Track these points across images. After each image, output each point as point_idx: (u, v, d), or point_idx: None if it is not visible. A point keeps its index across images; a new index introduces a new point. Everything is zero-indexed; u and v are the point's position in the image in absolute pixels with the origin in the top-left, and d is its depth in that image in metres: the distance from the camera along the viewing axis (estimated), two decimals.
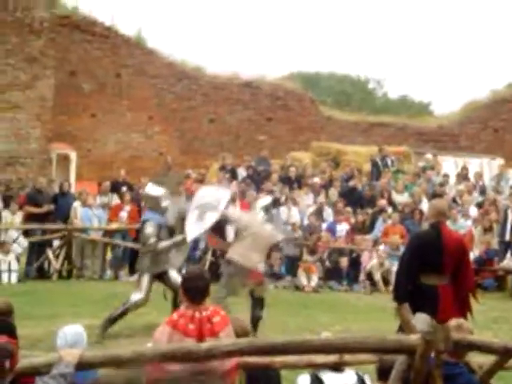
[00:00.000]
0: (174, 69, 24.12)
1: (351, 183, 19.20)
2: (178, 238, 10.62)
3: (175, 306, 9.71)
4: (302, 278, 15.71)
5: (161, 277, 10.52)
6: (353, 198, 18.33)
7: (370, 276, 16.02)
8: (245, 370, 5.18)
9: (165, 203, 10.73)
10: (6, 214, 15.98)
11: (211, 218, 10.53)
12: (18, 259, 15.46)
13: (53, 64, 20.39)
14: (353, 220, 17.48)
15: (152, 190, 10.98)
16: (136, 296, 10.33)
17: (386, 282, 15.60)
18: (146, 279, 10.47)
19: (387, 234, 16.64)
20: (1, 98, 19.58)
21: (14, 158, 19.81)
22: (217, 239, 14.61)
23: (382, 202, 17.77)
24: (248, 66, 63.38)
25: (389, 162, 20.72)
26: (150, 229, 10.34)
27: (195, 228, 10.63)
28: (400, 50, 78.95)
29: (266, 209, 11.14)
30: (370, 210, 17.79)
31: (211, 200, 10.77)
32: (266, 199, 11.92)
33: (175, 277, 10.33)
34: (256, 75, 25.73)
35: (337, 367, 5.63)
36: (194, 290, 4.97)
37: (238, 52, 64.06)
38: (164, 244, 10.49)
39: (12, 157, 19.77)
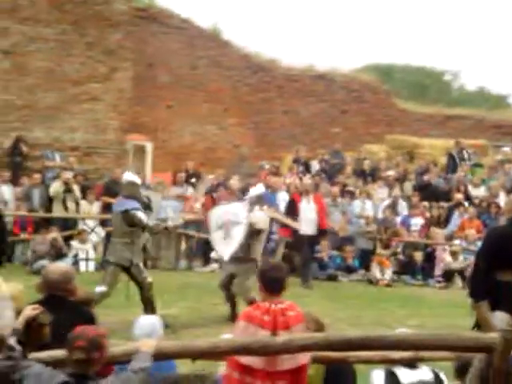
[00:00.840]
0: (249, 61, 24.17)
1: (426, 177, 18.95)
2: None
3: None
4: (376, 272, 15.60)
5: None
6: (427, 192, 18.09)
7: (445, 271, 15.81)
8: (322, 363, 5.18)
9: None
10: (83, 203, 16.29)
11: (239, 232, 10.70)
12: (95, 248, 15.75)
13: (130, 56, 20.66)
14: (428, 214, 17.27)
15: (131, 176, 10.91)
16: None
17: (462, 277, 15.36)
18: None
19: (463, 229, 16.37)
20: (80, 89, 19.92)
21: (92, 149, 20.14)
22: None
23: (459, 196, 17.49)
24: (323, 58, 63.02)
25: (466, 156, 20.36)
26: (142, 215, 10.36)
27: (227, 247, 10.75)
28: (477, 41, 77.38)
29: (258, 198, 11.07)
30: (445, 204, 17.54)
31: (229, 216, 10.92)
32: (258, 188, 11.62)
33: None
34: (330, 67, 25.62)
35: (412, 363, 5.58)
36: (274, 282, 4.97)
37: (313, 44, 63.83)
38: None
39: (90, 147, 20.11)
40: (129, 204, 10.25)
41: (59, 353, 4.20)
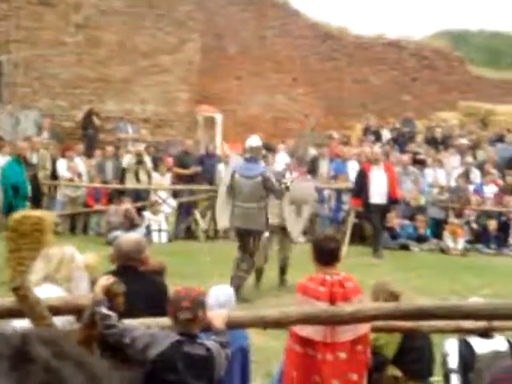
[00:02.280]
0: (318, 30, 23.97)
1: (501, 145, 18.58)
2: None
3: None
4: (449, 241, 15.42)
5: None
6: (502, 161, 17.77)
7: None
8: (398, 332, 5.19)
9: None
10: (155, 175, 16.48)
11: (307, 211, 11.07)
12: (167, 219, 15.96)
13: (199, 28, 20.72)
14: (501, 182, 16.95)
15: (256, 141, 10.66)
16: None
17: None
18: None
19: None
20: (150, 61, 20.11)
21: (163, 121, 20.34)
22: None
23: None
24: (393, 26, 61.98)
25: None
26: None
27: (297, 225, 10.83)
28: None
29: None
30: None
31: (304, 196, 11.12)
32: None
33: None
34: (401, 34, 25.23)
35: (486, 333, 5.52)
36: (327, 253, 4.99)
37: (383, 11, 62.75)
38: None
39: (161, 119, 20.32)
40: (262, 168, 10.23)
41: (149, 320, 4.34)
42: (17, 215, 10.56)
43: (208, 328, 4.37)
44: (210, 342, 4.32)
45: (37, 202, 12.51)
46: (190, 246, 14.99)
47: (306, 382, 4.81)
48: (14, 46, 19.11)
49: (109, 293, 4.23)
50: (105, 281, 4.26)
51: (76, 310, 4.30)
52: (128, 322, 4.25)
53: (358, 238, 15.28)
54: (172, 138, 19.78)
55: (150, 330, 4.23)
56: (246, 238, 10.16)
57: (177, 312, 4.20)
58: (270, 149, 12.18)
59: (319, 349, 4.75)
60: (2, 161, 14.98)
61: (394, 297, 5.37)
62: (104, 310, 4.12)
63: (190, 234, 16.12)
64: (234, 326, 4.56)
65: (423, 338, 5.49)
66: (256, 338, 6.74)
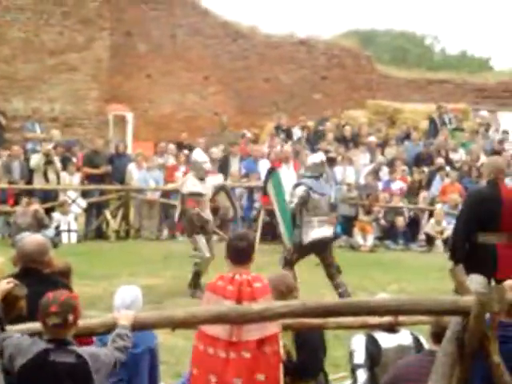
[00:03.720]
0: (228, 28, 23.98)
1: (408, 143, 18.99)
2: None
3: None
4: (358, 238, 15.66)
5: None
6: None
7: (427, 235, 15.89)
8: (294, 330, 5.19)
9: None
10: (64, 175, 16.20)
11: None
12: (76, 220, 15.72)
13: (108, 25, 20.47)
14: (409, 179, 17.32)
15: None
16: None
17: (444, 240, 15.44)
18: None
19: (445, 193, 16.43)
20: (58, 59, 19.76)
21: (72, 120, 20.04)
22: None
23: (440, 161, 17.55)
24: (303, 25, 62.71)
25: (447, 120, 20.37)
26: None
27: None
28: (458, 4, 77.17)
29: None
30: (426, 169, 17.59)
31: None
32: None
33: None
34: (311, 34, 25.48)
35: (392, 328, 5.63)
36: (240, 252, 4.99)
37: (293, 10, 63.42)
38: None
39: (70, 118, 20.00)
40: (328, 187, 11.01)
41: (36, 325, 4.20)
42: None
43: (112, 329, 4.29)
44: (86, 348, 4.20)
45: None
46: (101, 246, 14.83)
47: (204, 380, 4.79)
48: None
49: (10, 296, 4.12)
50: (5, 284, 4.15)
51: None
52: (11, 329, 4.12)
53: (270, 235, 15.33)
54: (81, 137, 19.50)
55: (19, 338, 4.07)
56: (324, 250, 10.35)
57: (45, 317, 4.04)
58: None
59: (222, 347, 4.73)
60: None
61: (289, 290, 5.38)
62: None
63: (100, 234, 15.93)
64: (140, 327, 4.50)
65: (315, 333, 5.48)
66: (165, 339, 6.70)
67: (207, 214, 10.98)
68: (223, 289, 4.84)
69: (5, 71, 19.22)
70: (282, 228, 10.47)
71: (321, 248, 10.31)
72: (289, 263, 10.17)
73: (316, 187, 10.46)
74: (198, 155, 11.57)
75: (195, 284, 10.61)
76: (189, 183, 10.98)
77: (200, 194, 10.85)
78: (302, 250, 10.27)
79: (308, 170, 10.79)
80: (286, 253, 10.32)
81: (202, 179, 10.95)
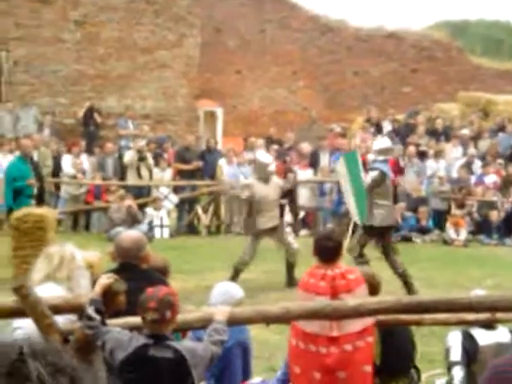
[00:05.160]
0: (317, 22, 23.94)
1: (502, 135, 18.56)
2: None
3: None
4: (451, 232, 15.41)
5: None
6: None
7: None
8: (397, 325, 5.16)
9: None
10: (156, 171, 16.47)
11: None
12: (169, 215, 15.96)
13: (198, 22, 20.70)
14: (504, 172, 16.93)
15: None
16: None
17: None
18: None
19: None
20: (149, 57, 20.11)
21: (163, 116, 20.35)
22: None
23: None
24: (392, 17, 61.86)
25: None
26: None
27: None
28: None
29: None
30: None
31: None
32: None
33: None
34: (401, 26, 25.20)
35: (489, 324, 5.52)
36: (327, 251, 5.01)
37: (382, 2, 62.61)
38: None
39: (161, 115, 20.32)
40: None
41: (134, 320, 4.29)
42: (18, 213, 10.56)
43: (208, 324, 4.34)
44: (184, 343, 4.25)
45: (42, 201, 12.52)
46: (192, 241, 15.01)
47: (308, 377, 4.81)
48: (13, 43, 19.11)
49: (109, 291, 4.22)
50: (105, 279, 4.25)
51: (77, 309, 4.30)
52: (110, 323, 4.22)
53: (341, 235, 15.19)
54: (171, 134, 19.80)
55: (120, 333, 4.15)
56: (387, 234, 10.48)
57: (144, 313, 4.11)
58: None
59: (323, 343, 4.75)
60: (3, 159, 14.97)
61: (375, 284, 5.35)
62: (90, 311, 4.09)
63: (191, 230, 16.13)
64: (235, 322, 4.54)
65: (402, 331, 5.42)
66: (258, 333, 6.75)
67: (274, 216, 10.89)
68: (315, 286, 4.86)
69: (100, 70, 19.68)
70: (355, 207, 10.45)
71: (385, 233, 10.39)
72: (361, 254, 10.18)
73: (388, 172, 10.49)
74: (262, 156, 11.51)
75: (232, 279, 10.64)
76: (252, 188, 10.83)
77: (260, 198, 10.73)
78: (370, 233, 10.29)
79: (380, 155, 10.67)
80: (358, 237, 10.32)
81: (266, 181, 10.82)
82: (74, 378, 1.16)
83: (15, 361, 1.14)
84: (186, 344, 4.28)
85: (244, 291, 5.83)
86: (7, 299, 4.31)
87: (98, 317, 4.10)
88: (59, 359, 1.18)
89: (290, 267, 10.79)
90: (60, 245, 5.01)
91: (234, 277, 10.36)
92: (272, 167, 11.11)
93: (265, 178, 10.83)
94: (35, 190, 12.62)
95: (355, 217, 10.45)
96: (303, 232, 15.46)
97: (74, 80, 19.54)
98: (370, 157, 11.23)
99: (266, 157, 11.53)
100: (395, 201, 14.86)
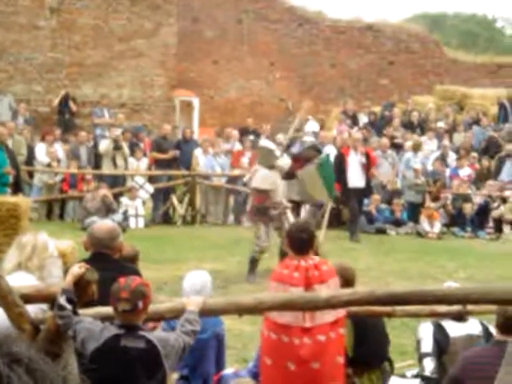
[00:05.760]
0: (294, 14, 23.90)
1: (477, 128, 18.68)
2: None
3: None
4: (425, 225, 15.50)
5: None
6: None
7: (496, 222, 15.63)
8: (368, 317, 5.18)
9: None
10: (131, 160, 16.39)
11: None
12: (144, 205, 15.90)
13: (175, 11, 20.60)
14: (478, 166, 17.05)
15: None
16: None
17: None
18: None
19: None
20: (126, 46, 19.99)
21: (139, 105, 20.26)
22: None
23: (510, 147, 17.21)
24: (370, 9, 62.02)
25: None
26: None
27: None
28: None
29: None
30: (496, 155, 17.30)
31: None
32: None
33: None
34: (378, 18, 25.22)
35: (460, 316, 5.56)
36: (300, 243, 5.03)
37: None
38: None
39: (137, 104, 20.23)
40: None
41: (106, 309, 4.28)
42: None
43: (180, 314, 4.33)
44: (156, 333, 4.25)
45: (18, 189, 12.42)
46: (167, 230, 14.98)
47: (280, 369, 4.82)
48: None
49: (81, 281, 4.20)
50: (77, 269, 4.23)
51: (48, 299, 4.28)
52: (82, 313, 4.20)
53: (336, 222, 15.30)
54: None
55: (91, 323, 4.15)
56: None
57: (116, 303, 4.10)
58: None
59: (296, 334, 4.76)
60: None
61: (349, 276, 5.38)
62: (61, 300, 4.07)
63: (167, 219, 16.10)
64: (208, 312, 4.54)
65: (376, 323, 5.45)
66: (232, 324, 6.75)
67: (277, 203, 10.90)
68: (289, 277, 4.87)
69: (75, 58, 19.53)
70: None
71: None
72: None
73: None
74: (267, 143, 11.61)
75: (251, 270, 10.63)
76: (258, 176, 10.86)
77: (266, 191, 10.71)
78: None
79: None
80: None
81: (271, 167, 10.85)
82: (30, 369, 1.14)
83: None
84: (158, 334, 4.28)
85: (217, 282, 5.83)
86: None
87: (69, 306, 4.09)
88: (16, 349, 1.16)
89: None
90: (33, 234, 4.98)
91: (253, 268, 10.48)
92: (278, 152, 11.09)
93: (270, 164, 10.79)
94: (11, 179, 12.53)
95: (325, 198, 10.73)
96: None
97: (49, 68, 19.38)
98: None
99: (270, 143, 11.59)
100: (368, 193, 15.03)
